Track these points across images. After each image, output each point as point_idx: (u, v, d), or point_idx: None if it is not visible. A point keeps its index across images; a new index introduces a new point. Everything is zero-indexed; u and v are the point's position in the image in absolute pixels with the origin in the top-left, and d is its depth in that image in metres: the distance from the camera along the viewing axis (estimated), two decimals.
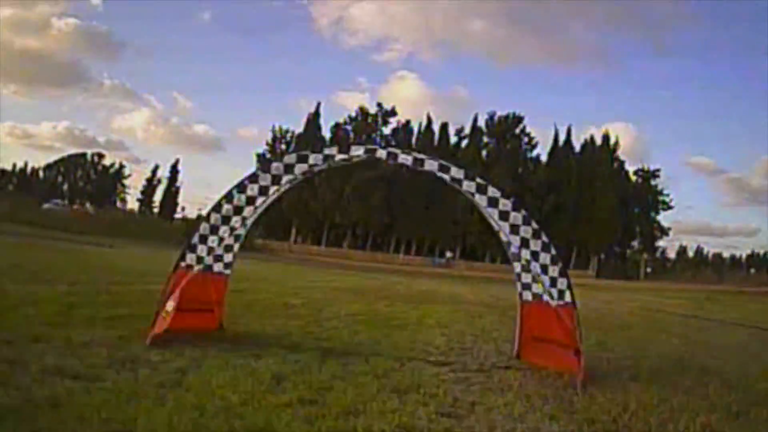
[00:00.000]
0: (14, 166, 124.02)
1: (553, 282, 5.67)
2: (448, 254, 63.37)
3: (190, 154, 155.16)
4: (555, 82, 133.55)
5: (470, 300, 17.38)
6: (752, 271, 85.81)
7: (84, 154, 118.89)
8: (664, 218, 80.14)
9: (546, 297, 5.77)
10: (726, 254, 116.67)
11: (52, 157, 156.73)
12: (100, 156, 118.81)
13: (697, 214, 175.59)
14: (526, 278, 6.09)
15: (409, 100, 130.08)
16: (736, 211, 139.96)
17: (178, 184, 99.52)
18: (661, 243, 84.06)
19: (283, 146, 72.46)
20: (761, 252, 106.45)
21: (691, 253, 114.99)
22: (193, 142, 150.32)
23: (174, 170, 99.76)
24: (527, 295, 6.18)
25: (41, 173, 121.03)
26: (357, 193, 61.11)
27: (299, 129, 71.91)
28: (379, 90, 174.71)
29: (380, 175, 61.25)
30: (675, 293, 35.14)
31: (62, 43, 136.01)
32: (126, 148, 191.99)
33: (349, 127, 67.03)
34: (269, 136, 74.72)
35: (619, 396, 4.86)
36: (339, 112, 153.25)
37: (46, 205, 62.93)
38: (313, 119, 68.35)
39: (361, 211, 61.21)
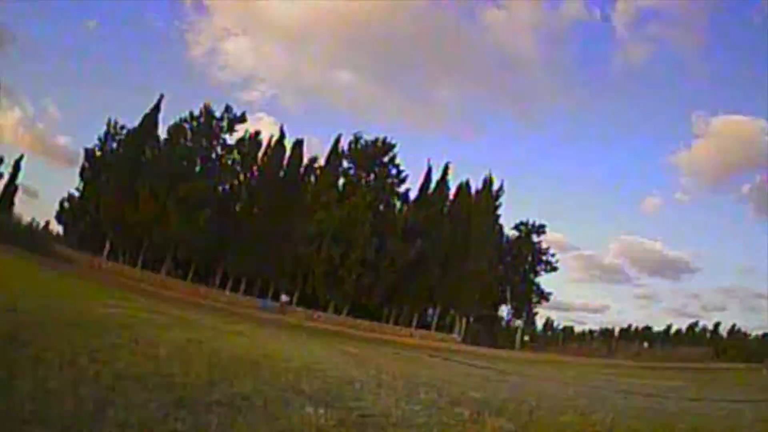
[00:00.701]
0: None
1: None
2: (284, 297, 52.65)
3: (56, 167, 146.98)
4: (419, 141, 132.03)
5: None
6: (645, 344, 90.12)
7: None
8: (545, 280, 72.55)
9: None
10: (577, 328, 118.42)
11: None
12: None
13: (555, 259, 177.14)
14: None
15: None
16: (585, 287, 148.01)
17: (18, 182, 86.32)
18: (539, 309, 76.66)
19: (114, 145, 60.76)
20: (612, 327, 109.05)
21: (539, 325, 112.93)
22: (58, 154, 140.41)
23: (16, 167, 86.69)
24: None
25: None
26: (182, 207, 50.10)
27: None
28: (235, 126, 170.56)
29: (213, 187, 50.82)
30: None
31: None
32: None
33: (188, 126, 55.68)
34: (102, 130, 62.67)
35: None
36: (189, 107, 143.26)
37: None
38: (152, 114, 57.02)
39: (185, 230, 50.10)
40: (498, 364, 28.45)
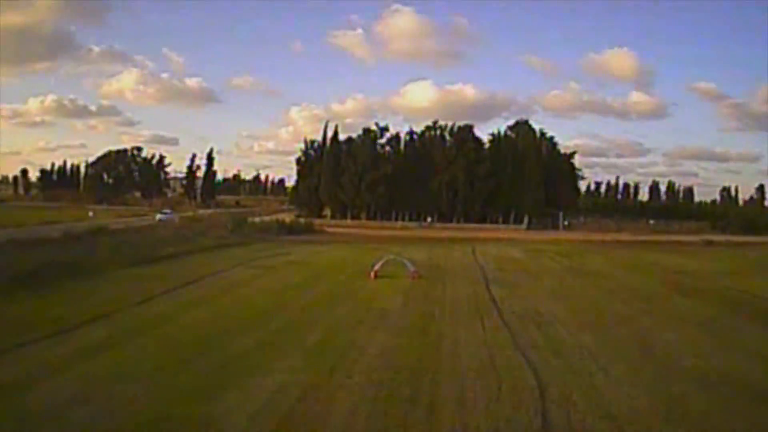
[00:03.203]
0: (53, 165, 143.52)
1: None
2: (429, 219, 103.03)
3: (185, 109, 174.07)
4: (558, 9, 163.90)
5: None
6: (651, 222, 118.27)
7: (124, 150, 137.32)
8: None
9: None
10: (703, 190, 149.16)
11: (42, 132, 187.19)
12: (139, 149, 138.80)
13: (700, 140, 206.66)
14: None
15: (405, 34, 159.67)
16: (738, 136, 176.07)
17: (214, 168, 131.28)
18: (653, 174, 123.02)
19: (311, 151, 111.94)
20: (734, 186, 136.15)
21: (645, 191, 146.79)
22: (187, 97, 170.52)
23: (210, 158, 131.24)
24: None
25: (83, 169, 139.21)
26: (369, 188, 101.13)
27: (322, 113, 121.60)
28: (373, 26, 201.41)
29: (383, 175, 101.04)
30: (560, 243, 65.12)
31: (46, 14, 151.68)
32: (118, 112, 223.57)
33: (359, 142, 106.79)
34: (301, 144, 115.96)
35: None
36: (345, 61, 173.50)
37: (159, 217, 75.36)
38: (334, 137, 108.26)
39: (371, 198, 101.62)
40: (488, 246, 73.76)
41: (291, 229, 71.92)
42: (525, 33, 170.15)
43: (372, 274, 31.72)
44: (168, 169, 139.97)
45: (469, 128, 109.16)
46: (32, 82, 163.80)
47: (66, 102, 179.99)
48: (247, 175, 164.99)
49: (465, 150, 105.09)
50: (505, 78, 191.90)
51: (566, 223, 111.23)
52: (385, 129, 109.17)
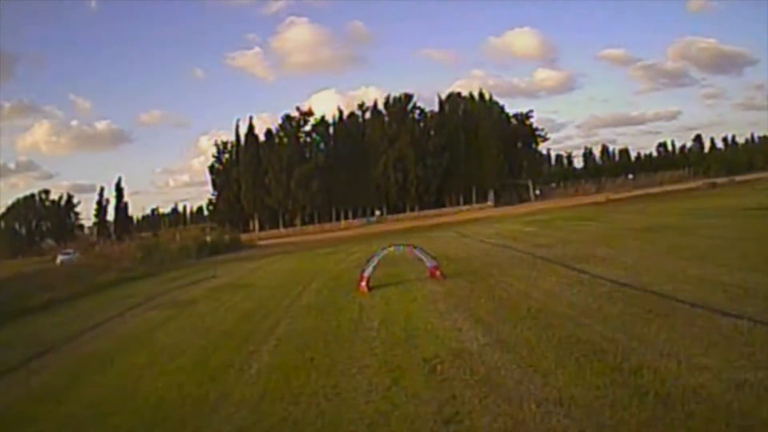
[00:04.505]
0: None
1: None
2: (377, 213, 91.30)
3: (97, 153, 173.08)
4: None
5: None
6: (630, 176, 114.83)
7: (32, 195, 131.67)
8: (551, 145, 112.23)
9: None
10: (635, 149, 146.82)
11: None
12: (47, 192, 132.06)
13: (614, 106, 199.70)
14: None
15: (303, 46, 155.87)
16: (654, 96, 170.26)
17: (125, 199, 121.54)
18: (569, 148, 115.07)
19: (226, 156, 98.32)
20: (671, 140, 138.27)
21: (597, 152, 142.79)
22: (98, 140, 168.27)
23: (119, 188, 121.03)
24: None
25: None
26: (299, 184, 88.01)
27: (229, 131, 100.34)
28: (270, 42, 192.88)
29: (314, 167, 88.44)
30: (538, 217, 51.93)
31: None
32: (36, 166, 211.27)
33: (281, 133, 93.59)
34: (213, 149, 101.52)
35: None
36: (246, 82, 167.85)
37: (60, 258, 69.61)
38: (249, 131, 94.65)
39: (305, 196, 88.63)
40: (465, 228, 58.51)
41: (214, 249, 60.40)
42: (421, 28, 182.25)
43: (362, 285, 18.84)
44: (78, 209, 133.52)
45: (409, 97, 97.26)
46: None
47: None
48: (166, 210, 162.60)
49: (408, 123, 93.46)
50: (407, 75, 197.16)
51: (538, 192, 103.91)
52: (308, 113, 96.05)
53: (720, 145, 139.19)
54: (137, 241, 79.45)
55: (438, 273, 19.52)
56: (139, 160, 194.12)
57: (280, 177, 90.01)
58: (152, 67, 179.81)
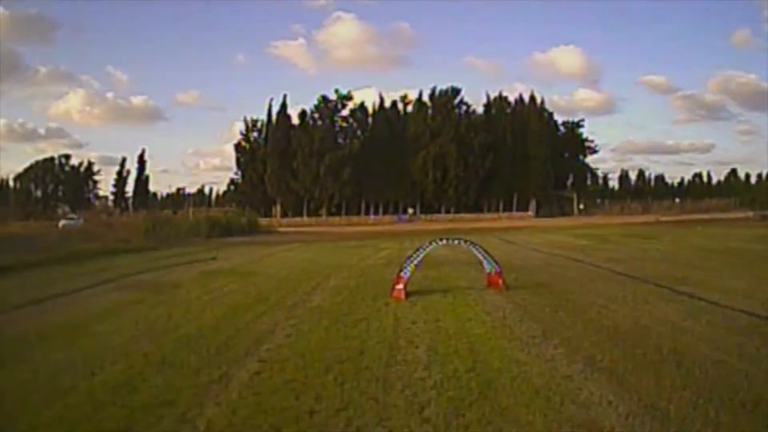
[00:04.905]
0: None
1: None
2: (410, 210, 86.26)
3: (131, 127, 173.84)
4: (501, 10, 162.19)
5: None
6: (677, 200, 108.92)
7: (52, 158, 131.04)
8: (592, 161, 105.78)
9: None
10: (672, 175, 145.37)
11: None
12: (67, 157, 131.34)
13: (650, 133, 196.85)
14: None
15: (347, 42, 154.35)
16: (690, 127, 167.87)
17: (146, 172, 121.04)
18: (604, 170, 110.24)
19: (255, 134, 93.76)
20: (706, 171, 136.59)
21: (633, 176, 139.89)
22: (132, 115, 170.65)
23: (141, 160, 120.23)
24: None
25: (11, 183, 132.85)
26: (330, 171, 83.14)
27: (262, 114, 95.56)
28: (315, 35, 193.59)
29: (348, 154, 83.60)
30: (588, 231, 48.28)
31: None
32: (66, 134, 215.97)
33: (316, 115, 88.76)
34: (242, 126, 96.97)
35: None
36: (288, 72, 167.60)
37: (63, 222, 67.62)
38: (281, 110, 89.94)
39: (334, 185, 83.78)
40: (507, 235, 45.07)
41: (227, 229, 56.56)
42: (468, 35, 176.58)
43: (397, 289, 13.81)
44: (99, 179, 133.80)
45: (456, 91, 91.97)
46: None
47: (16, 126, 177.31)
48: (192, 190, 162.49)
49: (454, 117, 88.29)
50: (449, 81, 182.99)
51: (581, 207, 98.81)
52: (347, 97, 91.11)
53: (754, 180, 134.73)
54: (151, 215, 76.17)
55: (501, 282, 14.78)
56: (172, 139, 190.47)
57: (309, 161, 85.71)
58: (194, 47, 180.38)
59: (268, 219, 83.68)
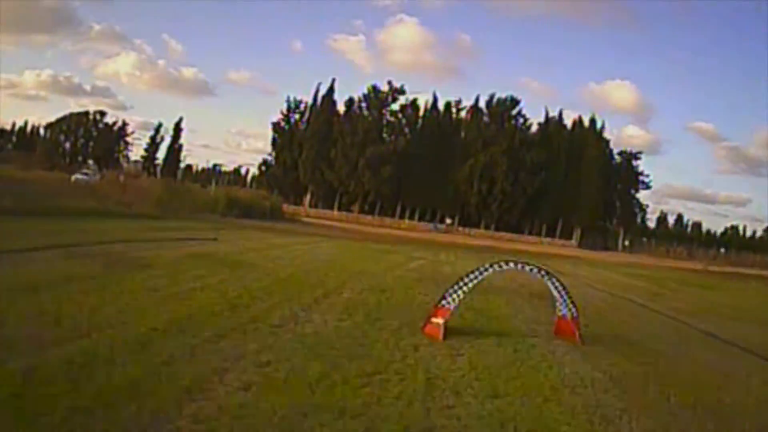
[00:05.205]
0: (13, 124, 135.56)
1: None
2: (448, 221, 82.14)
3: (178, 98, 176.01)
4: (564, 36, 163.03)
5: None
6: (722, 250, 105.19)
7: (87, 113, 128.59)
8: (643, 196, 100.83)
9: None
10: (707, 223, 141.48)
11: (38, 107, 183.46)
12: (102, 114, 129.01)
13: (690, 179, 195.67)
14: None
15: (406, 45, 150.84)
16: (730, 179, 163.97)
17: (181, 142, 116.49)
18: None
19: (297, 116, 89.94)
20: (743, 225, 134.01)
21: (671, 220, 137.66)
22: (181, 86, 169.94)
23: (177, 128, 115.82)
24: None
25: (42, 132, 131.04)
26: (370, 165, 79.03)
27: (307, 95, 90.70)
28: (376, 34, 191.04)
29: (392, 150, 79.52)
30: (638, 271, 44.35)
31: None
32: (112, 94, 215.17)
33: (364, 105, 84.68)
34: (283, 105, 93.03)
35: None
36: (343, 67, 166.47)
37: (75, 176, 64.43)
38: (329, 93, 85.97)
39: (372, 181, 79.58)
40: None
41: (247, 210, 52.91)
42: (527, 56, 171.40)
43: (433, 324, 9.55)
44: (129, 140, 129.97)
45: (515, 102, 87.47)
46: (30, 54, 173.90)
47: (61, 78, 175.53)
48: (229, 168, 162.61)
49: (510, 128, 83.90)
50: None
51: (626, 243, 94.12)
52: (400, 91, 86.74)
53: None
54: (168, 183, 73.61)
55: (576, 333, 11.10)
56: (218, 116, 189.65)
57: (349, 152, 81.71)
58: (252, 27, 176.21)
59: (295, 207, 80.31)
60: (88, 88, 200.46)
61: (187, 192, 54.39)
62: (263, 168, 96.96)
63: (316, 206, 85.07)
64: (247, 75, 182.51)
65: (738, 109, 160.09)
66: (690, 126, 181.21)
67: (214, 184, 75.92)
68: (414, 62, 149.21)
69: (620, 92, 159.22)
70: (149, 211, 38.17)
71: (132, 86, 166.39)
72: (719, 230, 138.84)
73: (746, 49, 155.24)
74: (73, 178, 61.27)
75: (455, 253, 39.08)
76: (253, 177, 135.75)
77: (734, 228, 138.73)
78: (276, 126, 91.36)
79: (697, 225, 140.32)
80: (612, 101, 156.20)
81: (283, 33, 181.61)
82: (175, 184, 62.38)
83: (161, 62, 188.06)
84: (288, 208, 70.35)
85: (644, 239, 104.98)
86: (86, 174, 68.54)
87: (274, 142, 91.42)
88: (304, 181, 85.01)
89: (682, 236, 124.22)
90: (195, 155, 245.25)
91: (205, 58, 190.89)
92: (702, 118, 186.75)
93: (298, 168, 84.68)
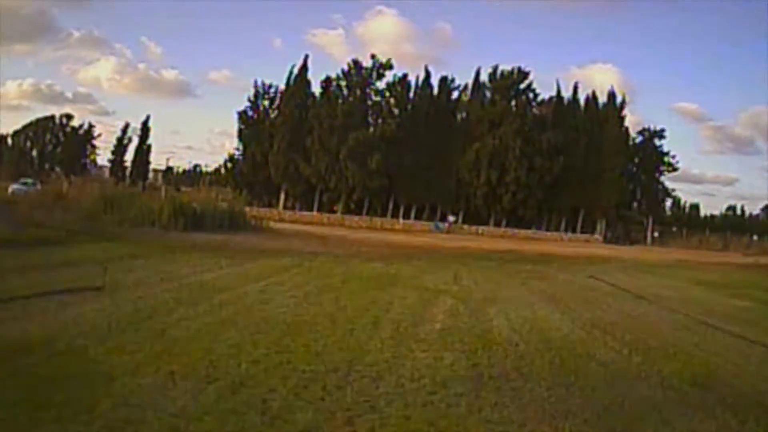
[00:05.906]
0: None
1: None
2: (451, 218, 72.39)
3: (159, 101, 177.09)
4: (541, 18, 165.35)
5: None
6: (755, 237, 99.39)
7: (52, 117, 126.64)
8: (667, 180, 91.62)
9: None
10: (702, 205, 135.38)
11: (22, 118, 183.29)
12: (69, 117, 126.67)
13: (676, 160, 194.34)
14: None
15: (386, 37, 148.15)
16: (716, 158, 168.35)
17: (149, 141, 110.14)
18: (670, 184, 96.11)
19: (266, 102, 79.38)
20: (738, 204, 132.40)
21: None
22: (162, 88, 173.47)
23: (145, 127, 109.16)
24: None
25: (9, 140, 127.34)
26: (353, 155, 68.82)
27: (281, 83, 79.74)
28: (355, 27, 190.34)
29: (379, 136, 69.58)
30: (694, 274, 36.78)
31: None
32: (94, 100, 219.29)
33: (344, 84, 74.16)
34: (251, 92, 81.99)
35: None
36: (322, 61, 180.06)
37: (13, 187, 61.21)
38: (301, 73, 75.46)
39: (357, 175, 69.48)
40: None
41: (199, 220, 41.83)
42: (504, 42, 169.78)
43: None
44: (96, 143, 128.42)
45: (524, 74, 77.02)
46: (10, 64, 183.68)
47: (43, 87, 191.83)
48: (210, 168, 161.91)
49: (520, 105, 73.93)
50: None
51: (656, 234, 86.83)
52: (386, 66, 76.00)
53: None
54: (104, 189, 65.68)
55: None
56: (200, 117, 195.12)
57: (328, 140, 71.15)
58: (231, 26, 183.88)
59: (269, 210, 71.29)
60: (69, 95, 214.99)
61: (128, 199, 43.57)
62: (228, 164, 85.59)
63: (292, 207, 74.99)
64: (228, 74, 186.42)
65: (723, 88, 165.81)
66: (674, 107, 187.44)
67: (163, 188, 68.43)
68: (394, 54, 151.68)
69: (602, 75, 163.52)
70: (75, 227, 31.57)
71: (113, 91, 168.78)
72: (713, 212, 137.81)
73: (729, 29, 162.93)
74: (10, 189, 58.43)
75: (480, 269, 30.18)
76: (216, 175, 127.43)
77: (732, 208, 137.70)
78: (242, 115, 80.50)
79: (695, 207, 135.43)
80: (594, 85, 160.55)
81: (263, 31, 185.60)
82: (113, 191, 51.43)
83: (141, 66, 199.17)
84: (259, 211, 61.56)
85: (674, 228, 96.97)
86: (25, 184, 65.00)
87: (240, 133, 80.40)
88: (276, 178, 74.38)
89: (679, 219, 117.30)
90: (179, 157, 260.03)
91: (185, 59, 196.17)
92: (686, 98, 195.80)
93: (269, 163, 74.08)
